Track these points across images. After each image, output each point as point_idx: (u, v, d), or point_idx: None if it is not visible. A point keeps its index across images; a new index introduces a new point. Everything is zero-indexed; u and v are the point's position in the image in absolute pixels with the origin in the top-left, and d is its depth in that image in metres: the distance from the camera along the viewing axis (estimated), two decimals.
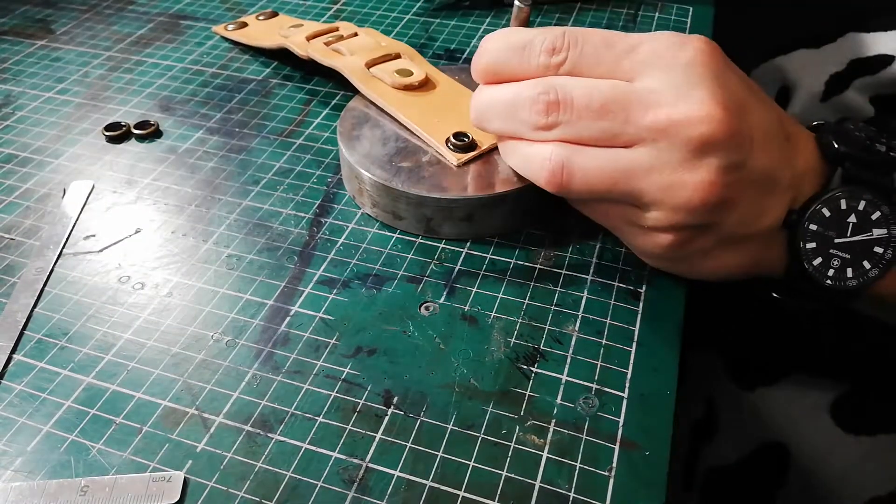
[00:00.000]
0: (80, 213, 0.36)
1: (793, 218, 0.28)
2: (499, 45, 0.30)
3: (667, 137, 0.26)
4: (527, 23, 0.32)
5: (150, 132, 0.41)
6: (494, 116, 0.30)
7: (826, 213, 0.27)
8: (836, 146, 0.28)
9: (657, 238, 0.28)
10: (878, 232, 0.28)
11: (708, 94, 0.26)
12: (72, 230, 0.35)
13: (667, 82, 0.26)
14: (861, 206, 0.27)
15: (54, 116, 0.43)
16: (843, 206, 0.27)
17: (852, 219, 0.28)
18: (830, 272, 0.28)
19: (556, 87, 0.28)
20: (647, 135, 0.26)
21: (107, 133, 0.41)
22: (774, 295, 0.30)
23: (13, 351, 0.29)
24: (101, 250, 0.34)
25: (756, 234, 0.28)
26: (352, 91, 0.39)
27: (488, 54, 0.30)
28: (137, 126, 0.42)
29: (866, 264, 0.28)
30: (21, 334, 0.30)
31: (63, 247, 0.34)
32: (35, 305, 0.31)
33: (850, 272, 0.28)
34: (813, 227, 0.28)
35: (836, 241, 0.28)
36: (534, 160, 0.29)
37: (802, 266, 0.28)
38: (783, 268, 0.29)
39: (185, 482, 0.25)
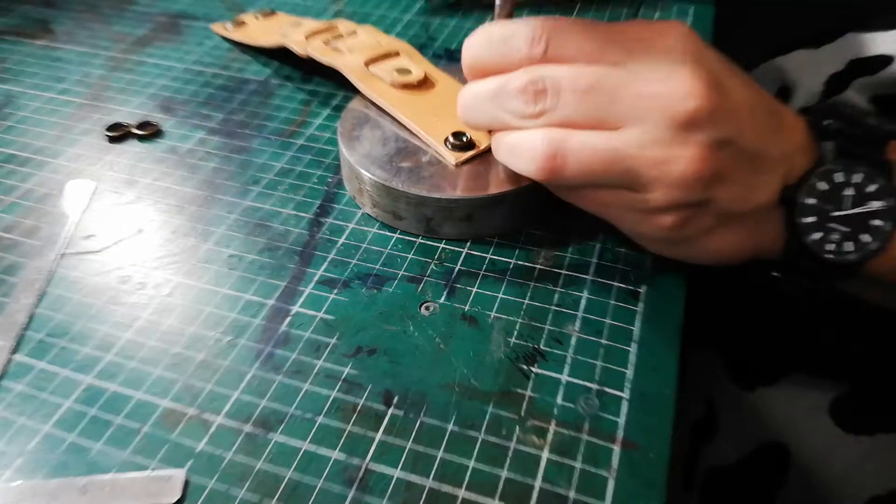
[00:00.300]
0: (83, 213, 0.36)
1: (788, 193, 0.28)
2: (480, 39, 0.30)
3: (653, 115, 0.26)
4: (511, 16, 0.32)
5: (151, 133, 0.41)
6: (481, 111, 0.30)
7: (822, 186, 0.27)
8: (825, 122, 0.28)
9: (657, 220, 0.28)
10: (876, 204, 0.28)
11: (689, 71, 0.26)
12: (72, 230, 0.35)
13: (650, 64, 0.27)
14: (857, 178, 0.27)
15: (55, 116, 0.43)
16: (839, 180, 0.27)
17: (849, 192, 0.28)
18: (830, 246, 0.28)
19: (542, 74, 0.28)
20: (635, 113, 0.27)
21: (108, 133, 0.41)
22: (774, 274, 0.30)
23: (13, 351, 0.29)
24: (101, 250, 0.34)
25: (752, 210, 0.28)
26: (352, 91, 0.39)
27: (470, 50, 0.30)
28: (139, 126, 0.42)
29: (865, 237, 0.28)
30: (21, 334, 0.30)
31: (63, 247, 0.34)
32: (35, 305, 0.31)
33: (849, 246, 0.28)
34: (810, 200, 0.28)
35: (834, 214, 0.28)
36: (525, 149, 0.29)
37: (801, 241, 0.28)
38: (782, 246, 0.29)
39: (186, 481, 0.25)
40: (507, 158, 0.30)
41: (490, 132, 0.32)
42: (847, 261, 0.28)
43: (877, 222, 0.28)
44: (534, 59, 0.28)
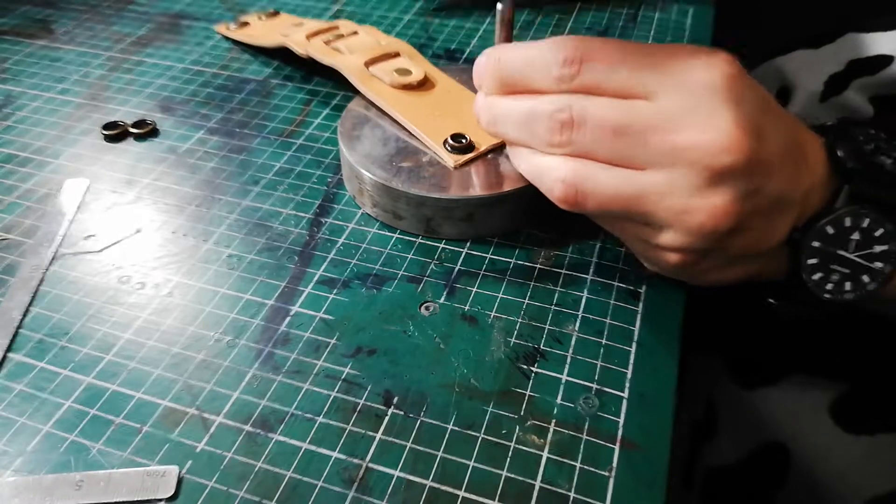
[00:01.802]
0: (77, 210, 0.36)
1: (796, 235, 0.28)
2: (514, 56, 0.29)
3: (684, 164, 0.25)
4: (511, 23, 0.31)
5: (147, 131, 0.41)
6: (511, 126, 0.30)
7: (829, 230, 0.27)
8: (845, 162, 0.28)
9: (666, 256, 0.28)
10: (879, 248, 0.27)
11: (730, 121, 0.25)
12: (68, 227, 0.35)
13: (686, 105, 0.25)
14: (865, 223, 0.27)
15: (54, 116, 0.43)
16: (847, 224, 0.27)
17: (855, 236, 0.27)
18: (829, 286, 0.28)
19: (571, 105, 0.27)
20: (664, 159, 0.26)
21: (105, 132, 0.41)
22: (771, 301, 0.30)
23: (9, 349, 0.29)
24: (101, 250, 0.34)
25: (763, 252, 0.28)
26: (352, 91, 0.39)
27: (504, 66, 0.30)
28: (135, 125, 0.42)
29: (865, 278, 0.28)
30: (17, 332, 0.30)
31: (59, 244, 0.34)
32: (31, 303, 0.31)
33: (848, 286, 0.28)
34: (816, 243, 0.27)
35: (837, 254, 0.28)
36: (547, 175, 0.28)
37: (801, 280, 0.28)
38: (782, 277, 0.29)
39: (180, 476, 0.25)
40: (527, 172, 0.30)
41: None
42: (844, 300, 0.28)
43: (878, 264, 0.28)
44: (565, 81, 0.27)
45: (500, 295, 0.31)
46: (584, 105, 0.27)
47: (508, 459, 0.25)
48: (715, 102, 0.25)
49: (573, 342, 0.29)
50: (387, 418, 0.27)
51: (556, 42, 0.28)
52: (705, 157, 0.25)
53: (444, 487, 0.24)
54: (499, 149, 0.35)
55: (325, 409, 0.27)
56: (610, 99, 0.27)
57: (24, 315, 0.31)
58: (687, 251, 0.27)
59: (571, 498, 0.24)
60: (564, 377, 0.28)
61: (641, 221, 0.28)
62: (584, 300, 0.31)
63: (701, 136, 0.25)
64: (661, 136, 0.26)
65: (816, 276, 0.28)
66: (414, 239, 0.34)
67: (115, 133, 0.41)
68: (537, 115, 0.28)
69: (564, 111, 0.27)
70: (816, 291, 0.28)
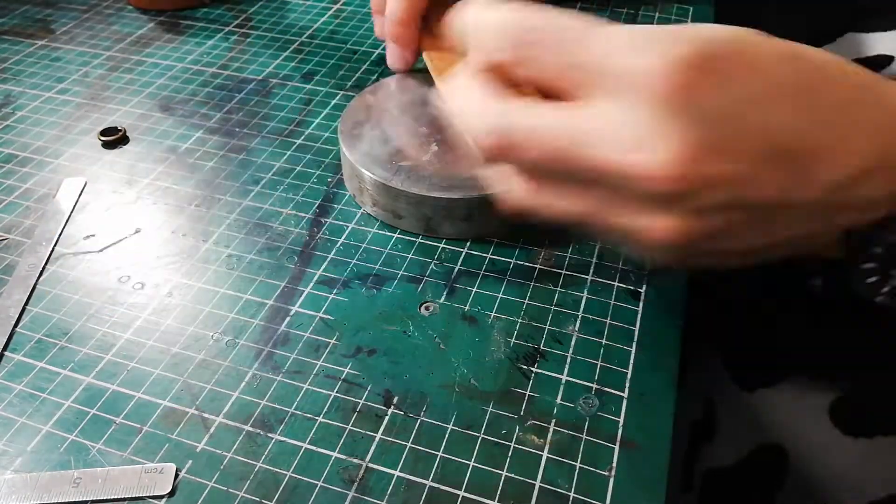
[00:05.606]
0: (73, 209, 0.36)
1: (854, 240, 0.24)
2: (469, 17, 0.25)
3: (623, 184, 0.21)
4: None
5: (117, 138, 0.41)
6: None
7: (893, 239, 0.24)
8: None
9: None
10: None
11: (670, 140, 0.20)
12: (65, 226, 0.35)
13: (619, 117, 0.21)
14: None
15: (54, 116, 0.43)
16: None
17: None
18: (885, 289, 0.25)
19: (499, 126, 0.23)
20: (600, 178, 0.22)
21: (102, 138, 0.41)
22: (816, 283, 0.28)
23: (6, 347, 0.29)
24: (101, 250, 0.34)
25: (785, 241, 0.24)
26: (351, 90, 0.39)
27: (459, 21, 0.26)
28: (104, 133, 0.41)
29: None
30: (14, 330, 0.30)
31: (56, 243, 0.34)
32: (29, 302, 0.31)
33: None
34: (878, 250, 0.24)
35: None
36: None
37: (851, 284, 0.25)
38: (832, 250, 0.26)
39: (177, 474, 0.25)
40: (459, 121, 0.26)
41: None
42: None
43: None
44: (494, 62, 0.23)
45: (500, 295, 0.31)
46: (514, 126, 0.23)
47: (508, 459, 0.25)
48: (654, 114, 0.20)
49: (573, 342, 0.29)
50: (387, 418, 0.27)
51: (494, 19, 0.24)
52: (640, 184, 0.21)
53: (444, 487, 0.24)
54: None
55: (325, 409, 0.27)
56: (539, 119, 0.23)
57: (22, 313, 0.31)
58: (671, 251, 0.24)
59: (571, 498, 0.24)
60: (564, 377, 0.28)
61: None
62: (584, 300, 0.31)
63: (631, 158, 0.21)
64: (590, 160, 0.22)
65: (871, 280, 0.25)
66: (414, 239, 0.34)
67: (112, 139, 0.41)
68: (470, 127, 0.24)
69: (493, 133, 0.23)
70: (867, 294, 0.25)
